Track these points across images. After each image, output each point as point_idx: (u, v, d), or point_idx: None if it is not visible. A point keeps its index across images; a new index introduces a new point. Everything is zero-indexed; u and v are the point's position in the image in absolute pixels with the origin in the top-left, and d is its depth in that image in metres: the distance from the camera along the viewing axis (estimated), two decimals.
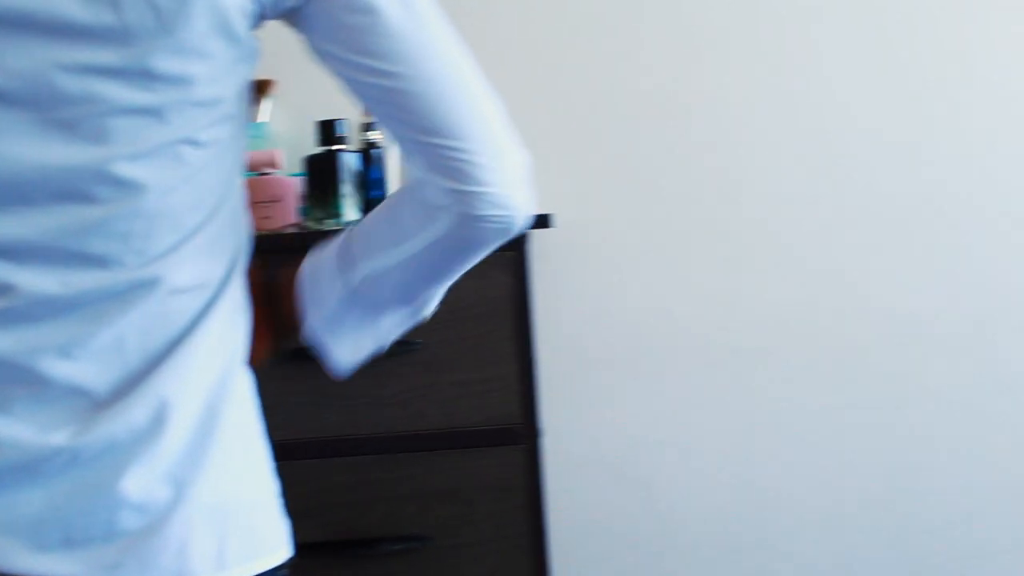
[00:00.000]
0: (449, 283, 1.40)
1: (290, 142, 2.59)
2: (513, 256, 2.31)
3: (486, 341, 2.31)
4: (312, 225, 2.37)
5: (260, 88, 2.57)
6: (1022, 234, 2.70)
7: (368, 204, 2.40)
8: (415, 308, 1.41)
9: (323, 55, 1.29)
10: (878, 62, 2.72)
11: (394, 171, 2.43)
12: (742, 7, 2.70)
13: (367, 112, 1.33)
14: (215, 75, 1.21)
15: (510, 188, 1.29)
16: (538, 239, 2.63)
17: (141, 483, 1.18)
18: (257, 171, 2.41)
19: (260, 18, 1.26)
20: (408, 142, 1.28)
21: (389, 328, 1.41)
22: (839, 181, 2.71)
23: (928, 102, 2.72)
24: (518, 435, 2.32)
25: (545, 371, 2.69)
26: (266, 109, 2.60)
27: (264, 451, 1.30)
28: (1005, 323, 2.71)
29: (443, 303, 1.44)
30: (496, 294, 2.31)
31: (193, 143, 1.22)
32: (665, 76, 2.72)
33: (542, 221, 2.42)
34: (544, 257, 2.69)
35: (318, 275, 1.40)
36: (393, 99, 1.25)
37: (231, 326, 1.29)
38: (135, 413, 1.19)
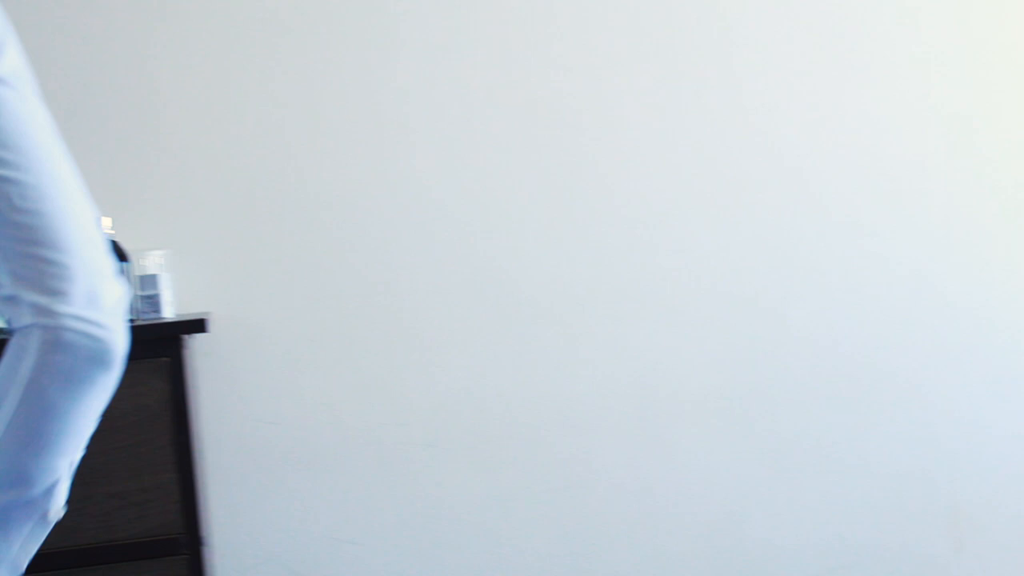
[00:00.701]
0: (64, 452, 1.26)
1: None
2: (168, 362, 2.27)
3: (143, 450, 2.24)
4: None
5: None
6: (680, 321, 2.83)
7: None
8: (36, 501, 1.25)
9: None
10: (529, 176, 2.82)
11: None
12: (385, 115, 2.75)
13: None
14: None
15: (104, 311, 1.21)
16: (198, 342, 2.58)
17: None
18: None
19: None
20: (3, 248, 1.20)
21: (21, 545, 1.26)
22: (496, 266, 2.78)
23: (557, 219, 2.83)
24: (180, 545, 2.25)
25: (213, 476, 2.63)
26: None
27: None
28: (668, 403, 2.82)
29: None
30: (151, 401, 2.25)
31: None
32: (316, 170, 2.74)
33: (198, 325, 2.38)
34: (207, 358, 2.64)
35: None
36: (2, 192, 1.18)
37: None
38: None
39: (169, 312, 2.55)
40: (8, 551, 1.24)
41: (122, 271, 2.46)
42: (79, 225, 1.21)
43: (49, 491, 1.26)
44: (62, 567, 2.19)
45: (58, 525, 2.00)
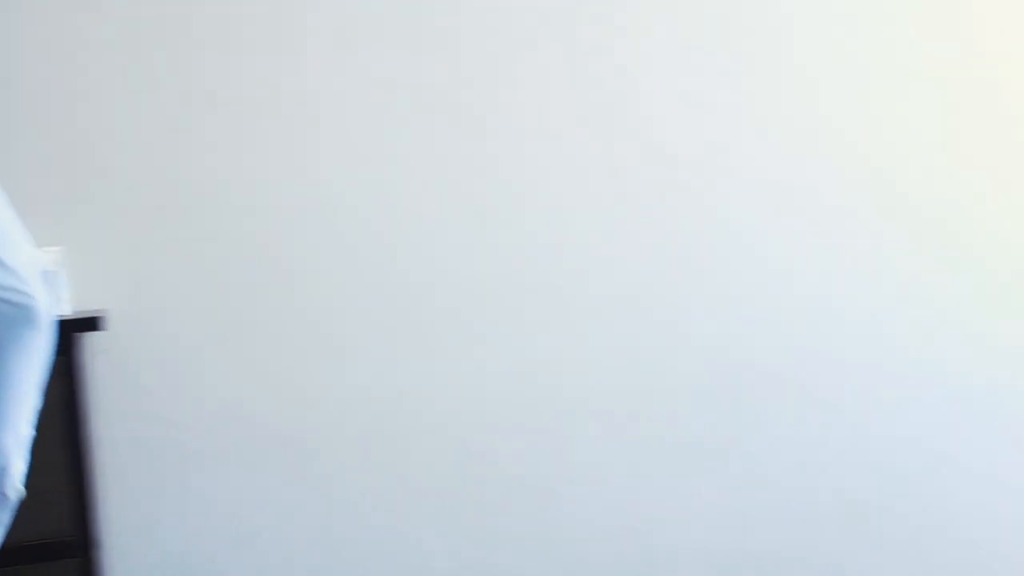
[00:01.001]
0: (6, 425, 1.25)
1: None
2: (62, 360, 2.22)
3: (35, 451, 2.18)
4: None
5: None
6: (579, 322, 2.85)
7: None
8: None
9: None
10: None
11: None
12: (285, 111, 2.73)
13: None
14: None
15: (20, 276, 1.22)
16: (94, 340, 2.53)
17: None
18: None
19: None
20: None
21: None
22: (397, 265, 2.77)
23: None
24: (73, 548, 2.21)
25: (109, 477, 2.59)
26: None
27: None
28: (567, 403, 2.83)
29: None
30: (45, 400, 2.19)
31: None
32: (214, 166, 2.71)
33: (93, 323, 2.33)
34: (103, 357, 2.59)
35: None
36: None
37: None
38: None
39: (64, 309, 2.50)
40: None
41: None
42: None
43: (3, 471, 1.25)
44: None
45: None
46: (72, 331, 2.29)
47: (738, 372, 2.87)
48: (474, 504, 2.81)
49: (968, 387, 2.96)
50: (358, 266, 2.76)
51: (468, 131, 2.78)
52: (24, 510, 2.18)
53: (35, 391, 1.25)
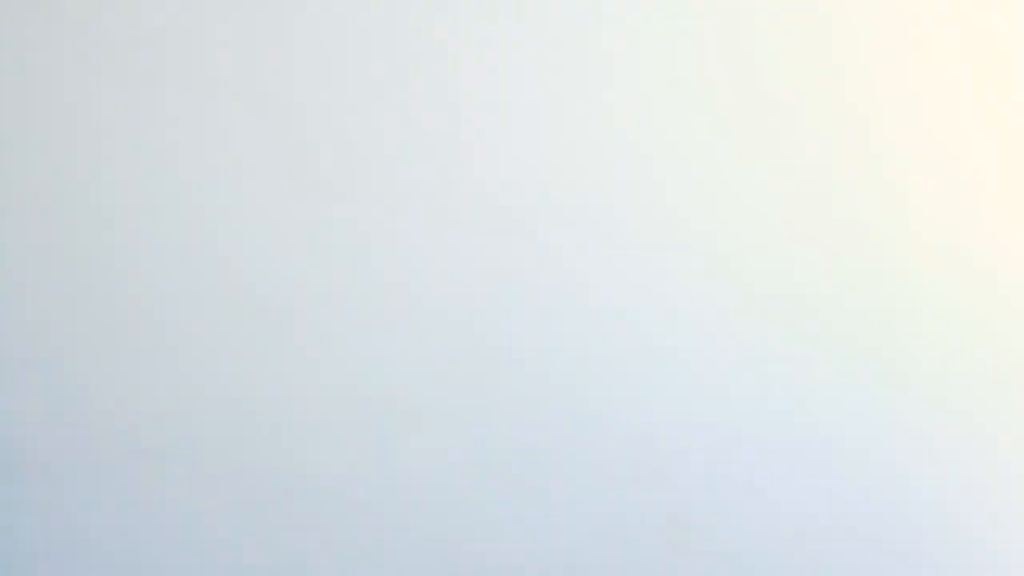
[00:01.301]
0: None
1: None
2: None
3: None
4: None
5: None
6: (402, 328, 2.86)
7: None
8: None
9: None
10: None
11: None
12: (124, 104, 2.71)
13: None
14: None
15: None
16: None
17: None
18: None
19: None
20: None
21: None
22: (223, 266, 2.77)
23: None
24: None
25: None
26: None
27: None
28: (391, 413, 2.86)
29: None
30: None
31: None
32: (57, 161, 2.68)
33: None
34: None
35: None
36: None
37: None
38: None
39: None
40: None
41: None
42: None
43: None
44: None
45: None
46: None
47: (560, 382, 2.93)
48: (292, 517, 2.83)
49: (791, 396, 3.08)
50: (207, 266, 2.75)
51: (300, 133, 2.81)
52: None
53: None
